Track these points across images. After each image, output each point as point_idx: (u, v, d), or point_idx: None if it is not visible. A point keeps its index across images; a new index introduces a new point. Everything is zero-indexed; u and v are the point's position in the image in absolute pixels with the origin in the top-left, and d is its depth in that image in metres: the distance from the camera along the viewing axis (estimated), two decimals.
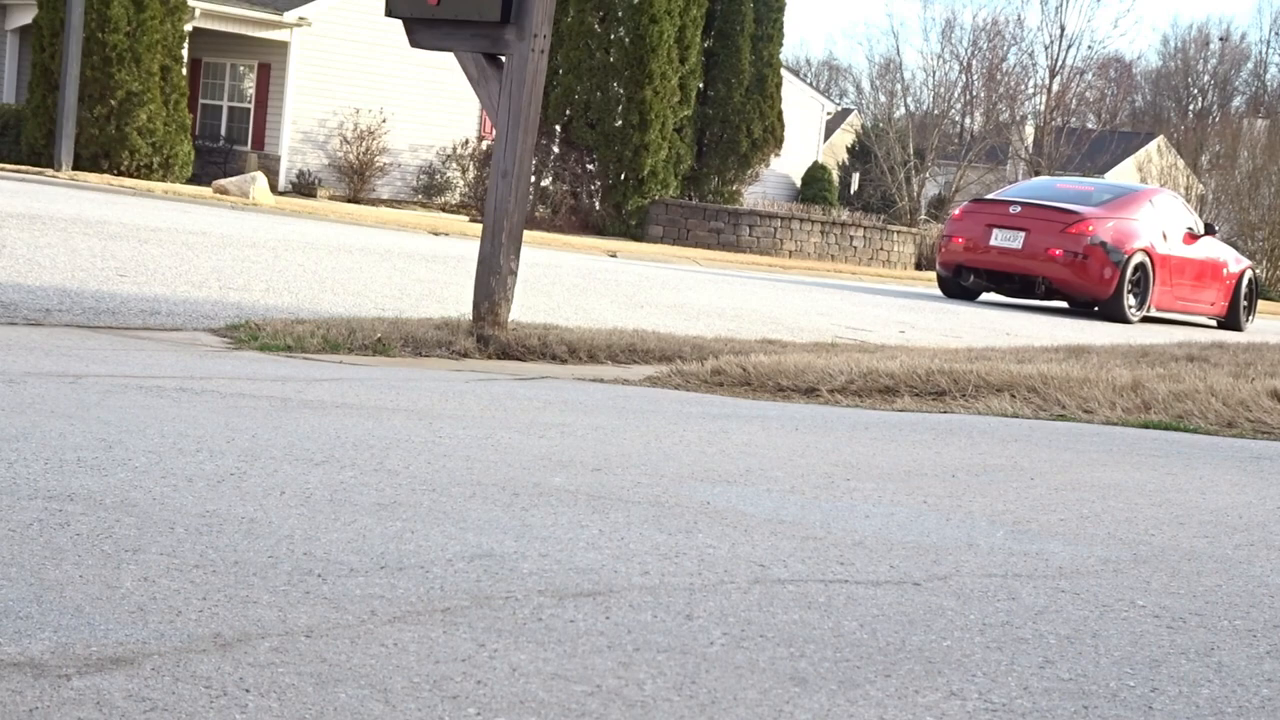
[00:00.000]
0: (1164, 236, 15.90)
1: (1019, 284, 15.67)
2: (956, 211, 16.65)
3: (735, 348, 6.54)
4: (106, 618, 1.88)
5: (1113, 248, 15.08)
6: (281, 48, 28.54)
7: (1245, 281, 17.25)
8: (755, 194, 31.24)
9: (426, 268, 10.03)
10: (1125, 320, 15.01)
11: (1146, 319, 15.71)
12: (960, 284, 16.23)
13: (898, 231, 27.57)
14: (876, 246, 26.54)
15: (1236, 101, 69.74)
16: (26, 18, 26.64)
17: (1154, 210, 16.06)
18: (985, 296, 16.78)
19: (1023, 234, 15.34)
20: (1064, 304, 16.09)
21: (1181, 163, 51.83)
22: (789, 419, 4.55)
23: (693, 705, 1.76)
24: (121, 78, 22.84)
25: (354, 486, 2.81)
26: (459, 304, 7.36)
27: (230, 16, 27.55)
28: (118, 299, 6.21)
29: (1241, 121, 56.98)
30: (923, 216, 44.55)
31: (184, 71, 24.22)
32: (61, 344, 4.76)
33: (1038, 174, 54.23)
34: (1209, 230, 16.89)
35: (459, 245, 14.24)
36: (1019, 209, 15.64)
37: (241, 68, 29.51)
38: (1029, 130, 54.86)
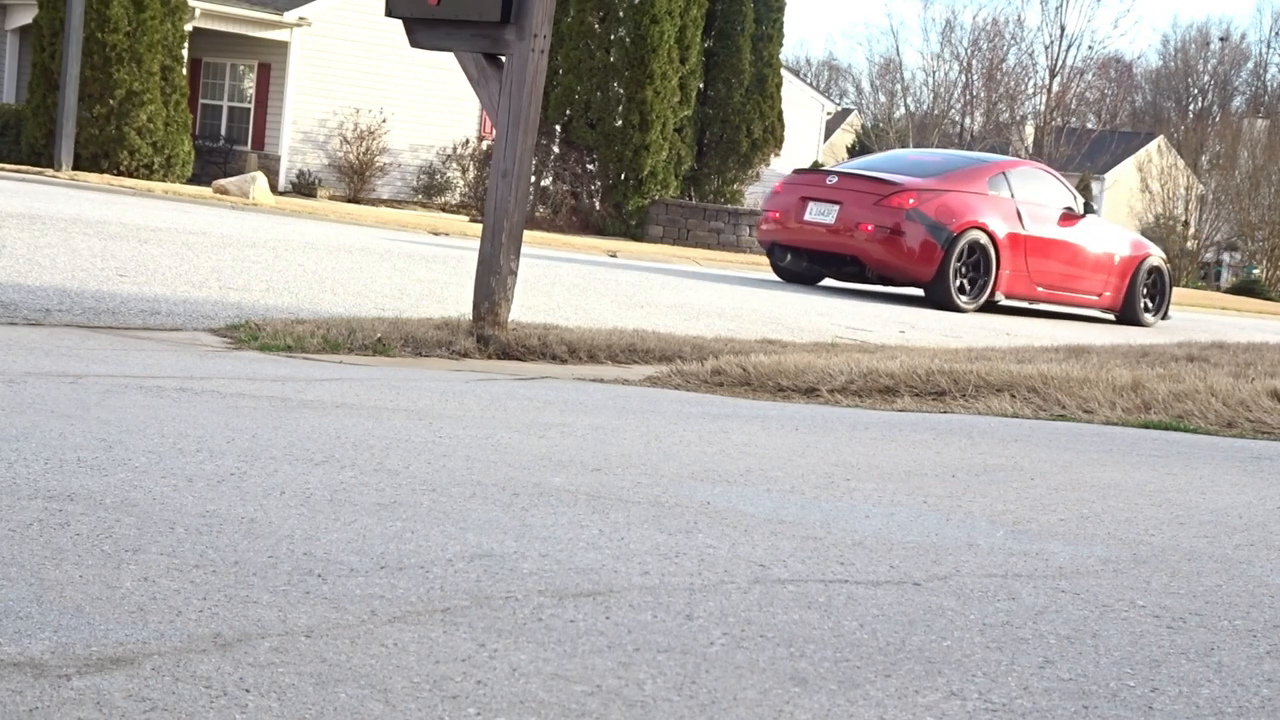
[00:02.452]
0: (1019, 215, 13.87)
1: (836, 263, 13.92)
2: (778, 184, 14.79)
3: (735, 348, 6.54)
4: (106, 618, 1.88)
5: (936, 223, 13.12)
6: (281, 48, 28.53)
7: (1145, 270, 15.01)
8: (756, 194, 31.22)
9: (426, 268, 10.03)
10: (954, 308, 13.13)
11: (990, 307, 14.02)
12: (781, 265, 14.61)
13: None
14: None
15: (1236, 102, 69.76)
16: (26, 18, 26.63)
17: (1006, 184, 14.06)
18: (828, 282, 14.90)
19: (836, 207, 13.46)
20: (911, 290, 14.24)
21: (1181, 163, 51.84)
22: (789, 419, 4.55)
23: (693, 705, 1.76)
24: (121, 78, 22.84)
25: (354, 486, 2.81)
26: (459, 304, 7.36)
27: (230, 16, 27.55)
28: (118, 299, 6.21)
29: (1241, 121, 56.99)
30: None
31: (184, 71, 24.21)
32: (61, 344, 4.76)
33: None
34: (1088, 210, 14.79)
35: (459, 245, 14.24)
36: (835, 179, 13.86)
37: (241, 68, 29.51)
38: (1029, 130, 54.89)
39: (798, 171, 15.30)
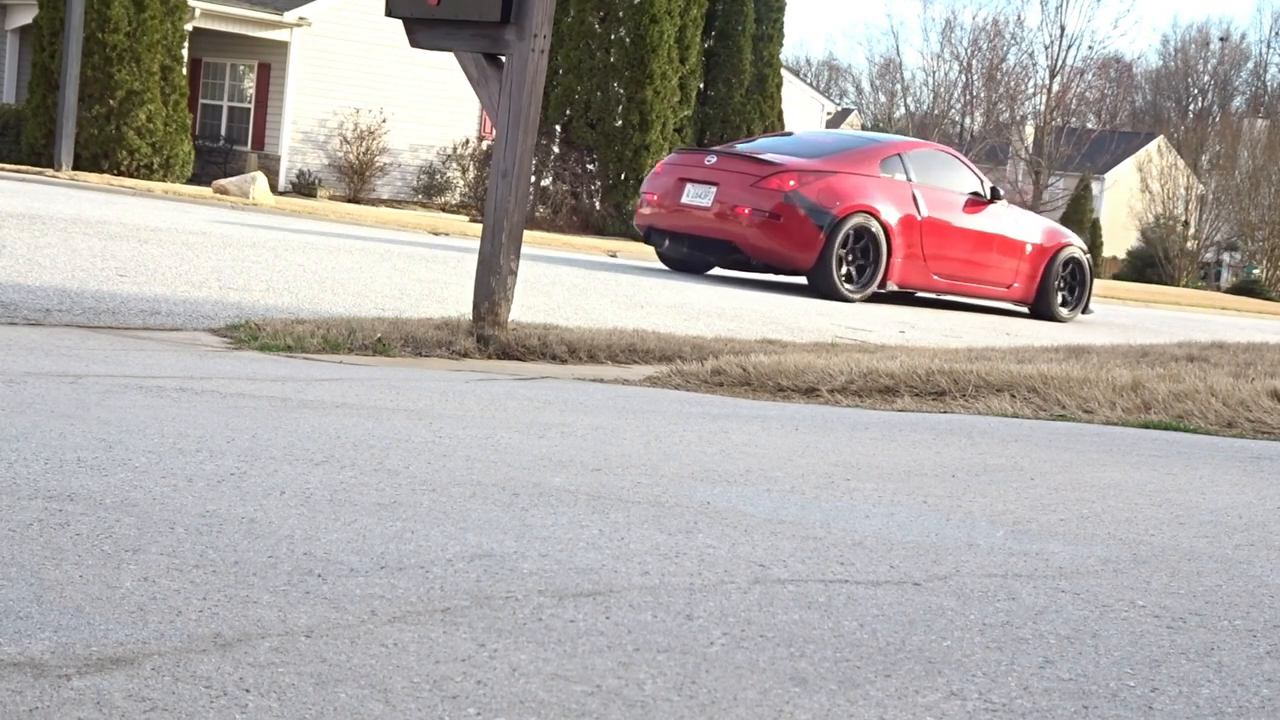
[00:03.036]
0: (915, 199, 12.96)
1: (717, 250, 12.89)
2: (659, 165, 13.76)
3: (735, 348, 6.54)
4: (106, 618, 1.88)
5: (817, 207, 12.21)
6: (281, 48, 28.54)
7: (1060, 261, 14.07)
8: None
9: (426, 268, 10.03)
10: (839, 297, 12.26)
11: (880, 297, 13.04)
12: (661, 251, 13.67)
13: None
14: None
15: (1236, 101, 69.80)
16: (26, 18, 26.64)
17: (903, 167, 13.12)
18: (720, 271, 13.91)
19: (714, 189, 12.56)
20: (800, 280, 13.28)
21: (1181, 163, 51.86)
22: (789, 419, 4.55)
23: (693, 705, 1.76)
24: (121, 77, 22.84)
25: (354, 486, 2.81)
26: (459, 304, 7.36)
27: (230, 16, 27.55)
28: (118, 299, 6.21)
29: (1241, 121, 57.02)
30: None
31: (184, 71, 24.22)
32: (61, 344, 4.76)
33: (1038, 175, 54.30)
34: (995, 196, 13.77)
35: (459, 245, 14.24)
36: (715, 159, 12.91)
37: (241, 68, 29.51)
38: (1029, 130, 54.90)
39: (679, 150, 14.22)
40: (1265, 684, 2.02)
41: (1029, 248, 13.89)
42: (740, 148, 13.84)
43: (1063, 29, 55.01)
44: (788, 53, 68.52)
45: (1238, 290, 43.86)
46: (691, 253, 13.21)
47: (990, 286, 13.73)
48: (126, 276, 7.04)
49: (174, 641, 1.82)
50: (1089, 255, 14.60)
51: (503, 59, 6.09)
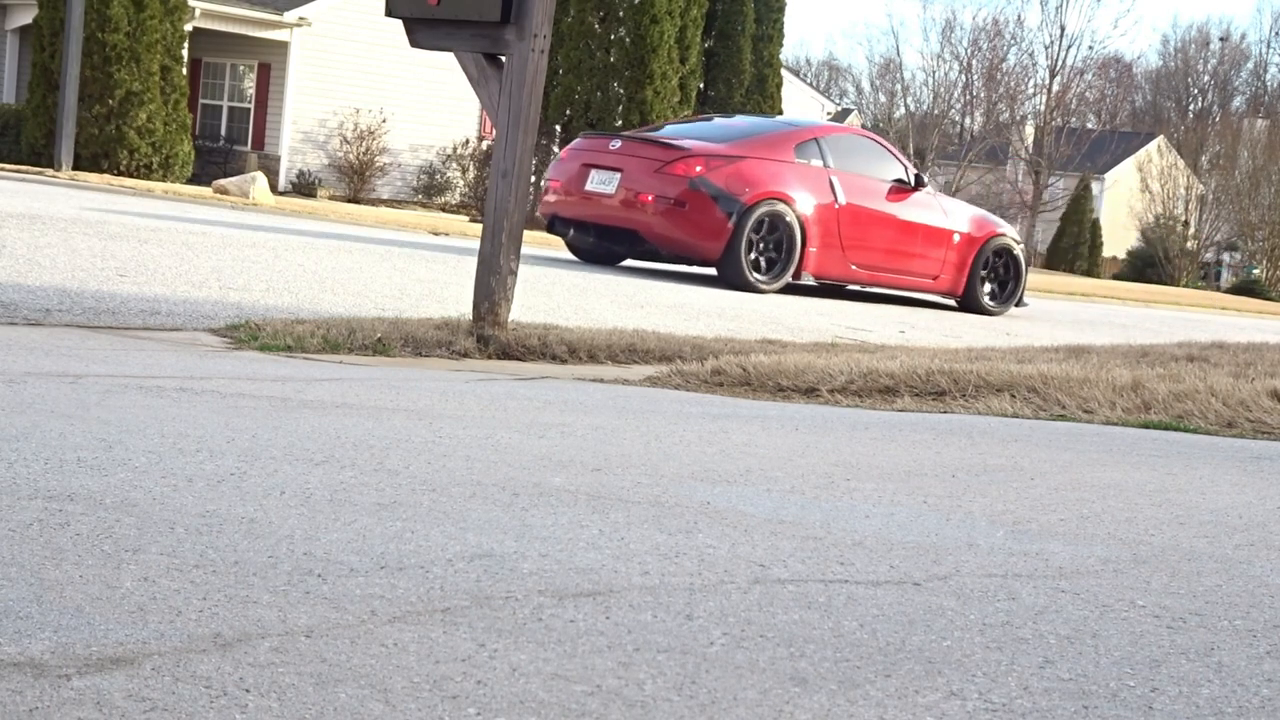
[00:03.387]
0: (833, 186, 12.32)
1: (624, 239, 12.24)
2: (564, 151, 13.09)
3: (735, 348, 6.54)
4: (106, 618, 1.88)
5: (725, 193, 11.61)
6: (281, 48, 28.54)
7: (991, 252, 13.43)
8: None
9: (426, 268, 10.03)
10: (749, 288, 11.65)
11: (795, 288, 12.38)
12: (567, 240, 13.03)
13: None
14: None
15: (1236, 102, 69.81)
16: (26, 18, 26.65)
17: (820, 152, 12.45)
18: (631, 262, 13.22)
19: (618, 175, 11.93)
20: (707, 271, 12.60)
21: (1181, 163, 51.88)
22: (789, 419, 4.55)
23: (693, 705, 1.76)
24: (121, 77, 22.84)
25: (354, 486, 2.82)
26: (459, 304, 7.36)
27: (230, 16, 27.55)
28: (118, 299, 6.21)
29: (1241, 121, 57.04)
30: None
31: (184, 71, 24.23)
32: (61, 344, 4.76)
33: (1038, 175, 54.31)
34: (920, 183, 13.09)
35: (459, 245, 14.24)
36: (619, 144, 12.27)
37: (241, 68, 29.51)
38: (1029, 130, 54.91)
39: (584, 135, 13.39)
40: (1265, 684, 2.02)
41: (957, 237, 13.25)
42: (648, 132, 13.17)
43: (1063, 29, 55.03)
44: (788, 53, 68.47)
45: (1238, 290, 43.87)
46: (598, 242, 12.59)
47: (914, 278, 13.09)
48: (126, 276, 7.04)
49: (174, 641, 1.82)
50: (1022, 245, 14.03)
51: (503, 59, 6.09)
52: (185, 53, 24.44)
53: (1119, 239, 53.66)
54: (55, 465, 2.75)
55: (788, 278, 11.96)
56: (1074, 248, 47.67)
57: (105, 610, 1.91)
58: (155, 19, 23.21)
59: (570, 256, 13.32)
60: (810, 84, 49.14)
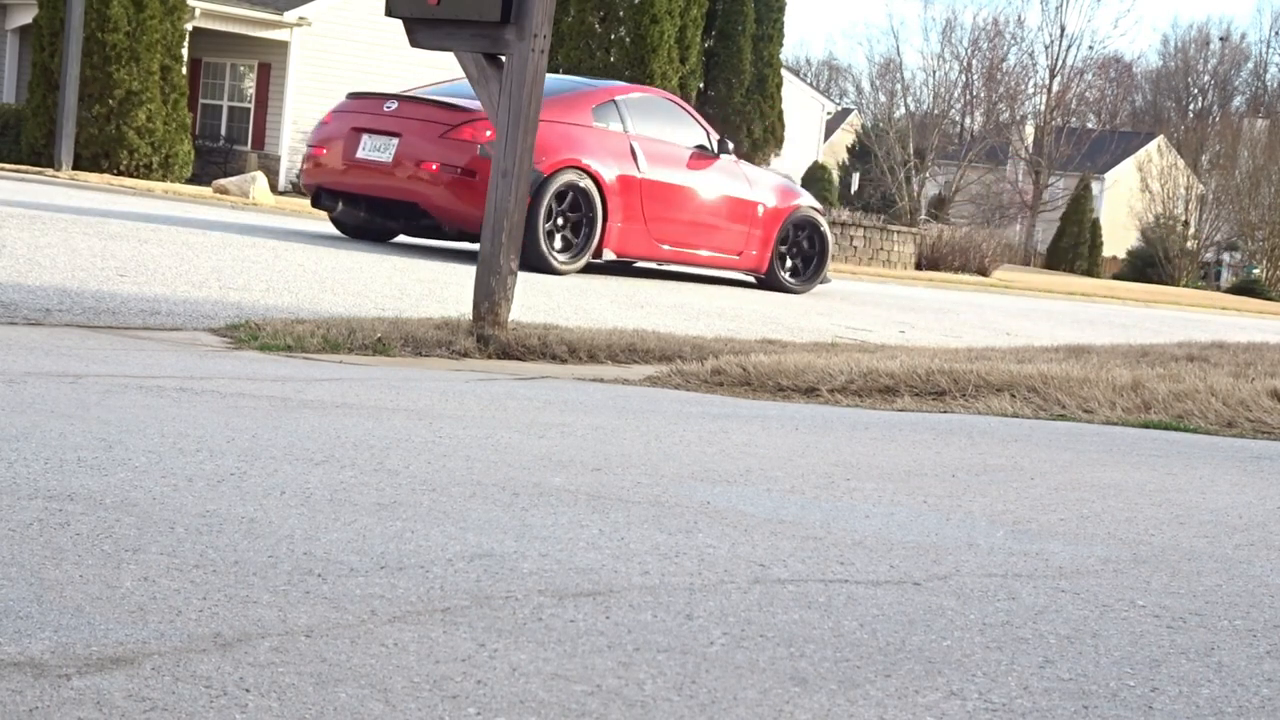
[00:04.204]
0: (634, 153, 11.18)
1: (402, 213, 10.98)
2: (328, 113, 11.68)
3: (735, 348, 6.54)
4: (106, 618, 1.88)
5: None
6: (281, 47, 28.54)
7: (794, 223, 12.43)
8: None
9: (427, 268, 10.02)
10: (547, 269, 10.48)
11: (595, 267, 11.34)
12: (334, 215, 11.65)
13: (898, 231, 27.58)
14: (876, 246, 26.54)
15: (1236, 101, 69.83)
16: (26, 18, 26.65)
17: (619, 115, 11.34)
18: (404, 239, 11.99)
19: (395, 141, 10.63)
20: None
21: (1181, 163, 51.89)
22: (789, 419, 4.55)
23: (693, 705, 1.76)
24: (121, 77, 22.85)
25: (354, 486, 2.82)
26: (459, 304, 7.36)
27: (230, 16, 27.56)
28: (118, 299, 6.21)
29: (1241, 121, 57.05)
30: (923, 216, 44.59)
31: (184, 71, 24.22)
32: (61, 344, 4.76)
33: (1038, 175, 54.32)
34: (724, 149, 11.98)
35: (459, 245, 14.25)
36: (396, 105, 10.93)
37: (241, 68, 29.52)
38: (1029, 130, 54.91)
39: (352, 95, 11.93)
40: (1265, 684, 2.02)
41: (761, 209, 12.19)
42: (428, 92, 11.68)
43: (1063, 29, 55.04)
44: (788, 53, 68.53)
45: (1238, 290, 43.88)
46: (371, 218, 11.32)
47: (720, 254, 12.06)
48: (126, 276, 7.04)
49: (174, 641, 1.82)
50: (826, 216, 13.22)
51: (503, 59, 6.09)
52: (185, 52, 24.43)
53: (1119, 239, 53.67)
54: (55, 465, 2.75)
55: (588, 256, 10.87)
56: (1074, 248, 47.69)
57: (105, 610, 1.91)
58: (155, 19, 23.21)
59: (334, 232, 12.00)
60: (810, 84, 49.15)
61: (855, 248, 26.27)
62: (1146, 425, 4.97)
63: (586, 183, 10.75)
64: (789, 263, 12.60)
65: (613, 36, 25.08)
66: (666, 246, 11.49)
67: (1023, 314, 14.52)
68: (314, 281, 7.98)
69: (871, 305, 12.74)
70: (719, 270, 12.42)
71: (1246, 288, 43.88)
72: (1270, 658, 2.15)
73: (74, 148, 22.42)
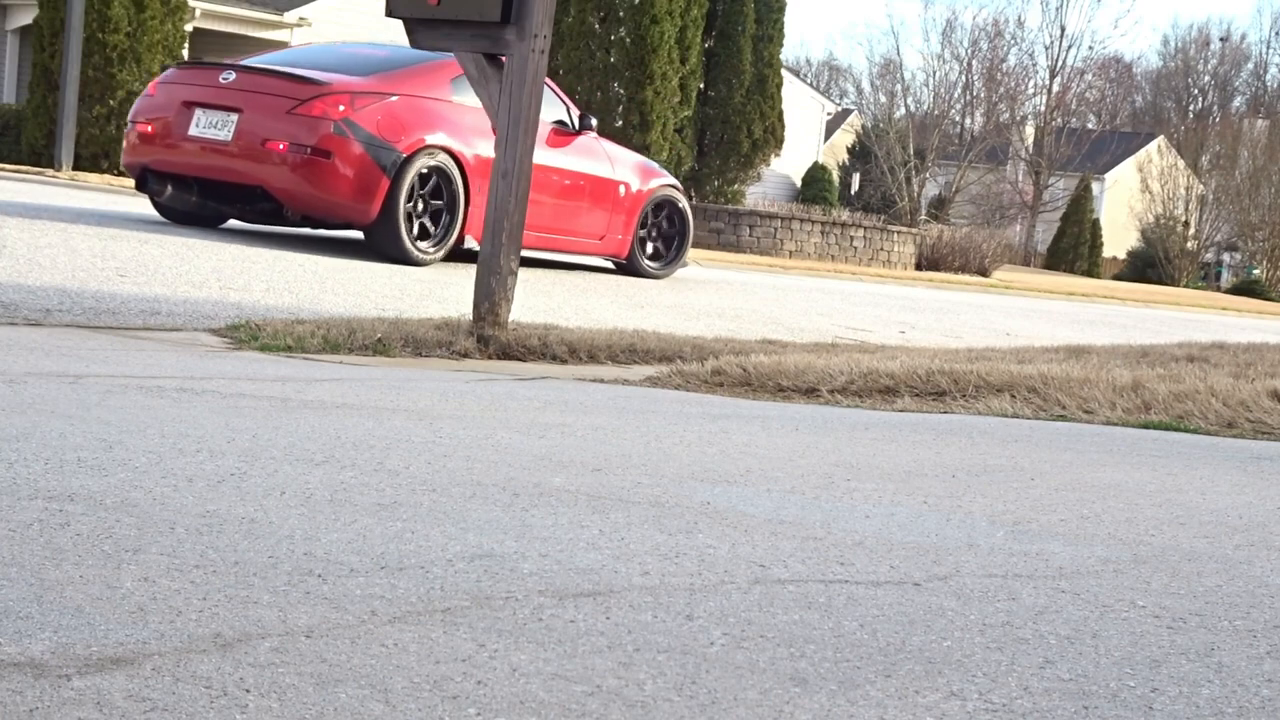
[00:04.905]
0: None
1: (241, 197, 9.82)
2: (152, 84, 10.42)
3: (735, 348, 6.54)
4: (106, 618, 1.88)
5: (379, 141, 9.39)
6: (281, 48, 28.53)
7: (654, 205, 11.71)
8: (756, 194, 31.27)
9: (426, 268, 10.02)
10: (407, 259, 9.62)
11: (457, 255, 10.31)
12: (160, 200, 10.36)
13: (898, 232, 27.59)
14: (877, 247, 26.55)
15: (1236, 102, 69.82)
16: (26, 18, 26.66)
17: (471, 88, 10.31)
18: (235, 224, 10.81)
19: (235, 117, 9.47)
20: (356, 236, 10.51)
21: (1181, 163, 51.89)
22: (789, 419, 4.55)
23: (693, 705, 1.76)
24: (122, 78, 22.84)
25: (354, 486, 2.81)
26: (459, 304, 7.36)
27: (230, 16, 27.56)
28: (118, 299, 6.21)
29: (1241, 122, 57.05)
30: (923, 217, 44.59)
31: None
32: (62, 344, 4.76)
33: (1038, 175, 54.31)
34: (585, 125, 11.12)
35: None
36: (234, 76, 9.67)
37: None
38: (1029, 130, 54.90)
39: (180, 66, 10.72)
40: (1265, 684, 2.02)
41: (624, 190, 11.38)
42: (268, 60, 10.53)
43: (1063, 29, 55.02)
44: (788, 53, 68.61)
45: (1238, 290, 43.88)
46: (204, 202, 10.11)
47: (584, 240, 11.23)
48: (126, 276, 7.04)
49: (174, 641, 1.82)
50: (686, 197, 12.50)
51: (503, 59, 6.09)
52: (186, 53, 24.42)
53: (1119, 239, 53.66)
54: (55, 465, 2.75)
55: (451, 244, 9.94)
56: (1074, 248, 47.69)
57: (105, 610, 1.91)
58: (156, 19, 23.21)
59: (156, 216, 10.84)
60: (810, 84, 49.14)
61: (855, 248, 26.29)
62: (1146, 426, 4.97)
63: (448, 164, 9.78)
64: (649, 247, 11.92)
65: (613, 37, 25.07)
66: (531, 233, 10.39)
67: (1023, 314, 14.52)
68: (314, 281, 7.98)
69: (743, 292, 12.64)
70: (581, 256, 11.62)
71: (1247, 288, 43.88)
72: (1270, 658, 2.15)
73: (74, 148, 22.40)
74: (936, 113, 52.15)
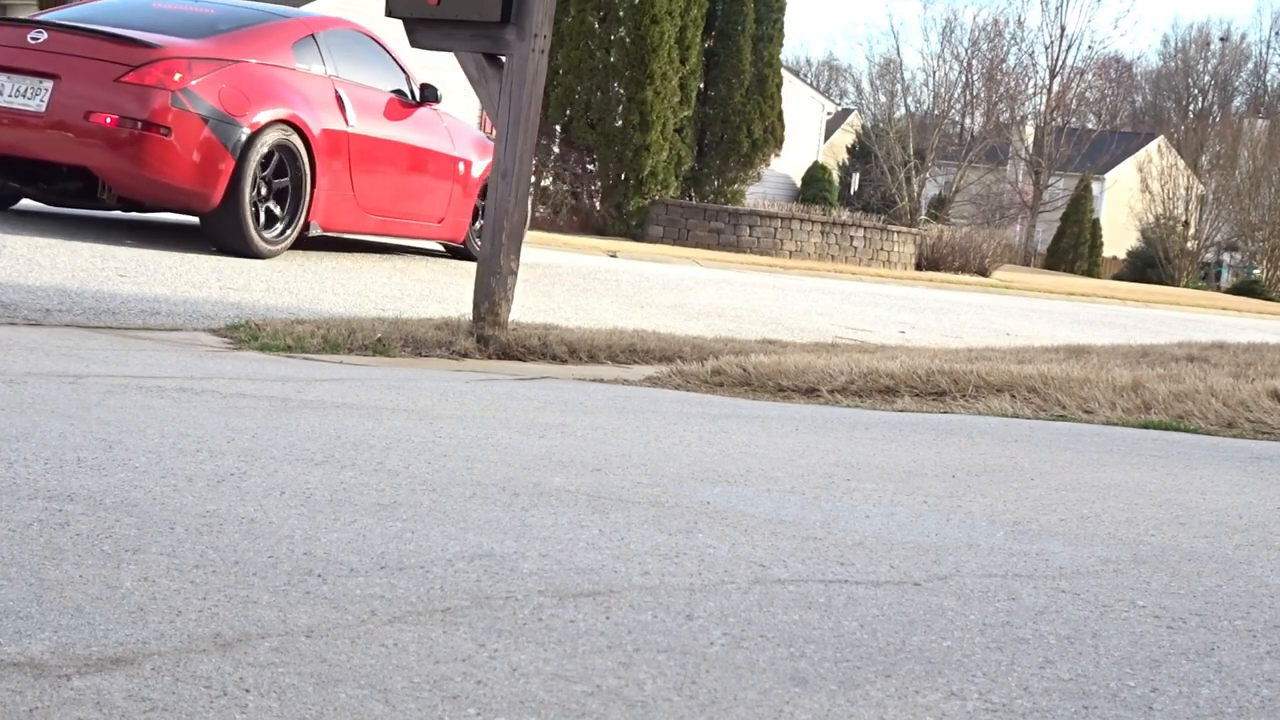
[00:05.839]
0: (342, 102, 9.14)
1: (49, 176, 8.44)
2: None
3: (735, 348, 6.54)
4: (106, 618, 1.88)
5: (222, 116, 8.18)
6: None
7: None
8: (756, 194, 31.26)
9: (426, 268, 10.02)
10: (250, 250, 8.47)
11: (303, 243, 9.32)
12: None
13: (898, 232, 27.60)
14: (877, 246, 26.56)
15: (1237, 102, 69.81)
16: None
17: (319, 53, 9.17)
18: (29, 204, 9.50)
19: (49, 85, 8.06)
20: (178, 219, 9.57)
21: (1181, 163, 51.88)
22: (789, 419, 4.55)
23: (693, 705, 1.76)
24: None
25: (354, 486, 2.81)
26: (459, 304, 7.36)
27: None
28: (118, 299, 6.21)
29: (1241, 122, 57.04)
30: (923, 217, 44.58)
31: None
32: (62, 344, 4.76)
33: (1038, 175, 54.30)
34: (428, 96, 10.13)
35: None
36: (45, 36, 8.18)
37: None
38: (1029, 130, 54.90)
39: None
40: (1265, 684, 2.02)
41: (463, 167, 10.43)
42: (81, 15, 8.96)
43: (1063, 29, 55.01)
44: (788, 53, 68.51)
45: (1238, 290, 43.88)
46: (4, 181, 8.78)
47: (425, 223, 10.25)
48: (126, 276, 7.04)
49: (174, 641, 1.82)
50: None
51: (503, 59, 6.09)
52: None
53: (1119, 239, 53.66)
54: (55, 465, 2.75)
55: (297, 231, 8.83)
56: (1074, 248, 47.69)
57: (105, 610, 1.91)
58: None
59: None
60: (810, 84, 49.13)
61: (855, 248, 26.29)
62: (1146, 426, 4.97)
63: (295, 141, 8.64)
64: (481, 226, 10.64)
65: (613, 36, 25.05)
66: (374, 216, 9.54)
67: (1023, 314, 14.53)
68: (314, 281, 7.98)
69: (743, 292, 12.74)
70: (416, 240, 10.71)
71: (1246, 288, 43.88)
72: (1270, 658, 2.15)
73: None
74: (936, 113, 52.15)
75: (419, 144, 9.97)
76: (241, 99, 8.37)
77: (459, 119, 11.00)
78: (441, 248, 11.11)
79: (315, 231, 9.00)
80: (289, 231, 8.77)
